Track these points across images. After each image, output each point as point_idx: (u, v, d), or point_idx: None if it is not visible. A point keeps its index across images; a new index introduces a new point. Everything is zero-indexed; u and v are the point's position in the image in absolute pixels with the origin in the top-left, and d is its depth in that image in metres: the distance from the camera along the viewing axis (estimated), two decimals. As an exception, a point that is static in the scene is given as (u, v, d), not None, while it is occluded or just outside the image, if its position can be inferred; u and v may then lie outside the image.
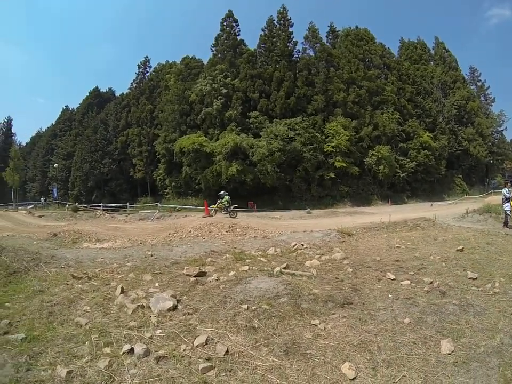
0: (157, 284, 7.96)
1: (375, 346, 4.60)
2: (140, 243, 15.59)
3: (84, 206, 41.04)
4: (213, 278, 8.10)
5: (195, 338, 5.10)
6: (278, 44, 52.68)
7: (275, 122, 46.11)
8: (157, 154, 50.77)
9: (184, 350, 4.77)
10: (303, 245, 11.74)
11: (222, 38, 54.30)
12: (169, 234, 17.11)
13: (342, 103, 49.97)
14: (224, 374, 4.13)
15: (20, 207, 48.54)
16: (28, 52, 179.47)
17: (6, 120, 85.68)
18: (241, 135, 43.53)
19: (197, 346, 4.88)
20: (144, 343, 4.95)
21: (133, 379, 4.14)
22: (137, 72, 63.46)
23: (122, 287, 7.48)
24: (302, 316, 5.62)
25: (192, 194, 45.61)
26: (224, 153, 40.81)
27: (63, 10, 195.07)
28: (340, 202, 45.20)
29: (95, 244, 16.27)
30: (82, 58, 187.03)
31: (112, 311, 6.42)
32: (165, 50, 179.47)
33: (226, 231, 16.45)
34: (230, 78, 49.07)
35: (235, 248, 11.95)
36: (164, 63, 64.16)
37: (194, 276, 8.24)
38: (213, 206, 26.64)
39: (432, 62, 70.18)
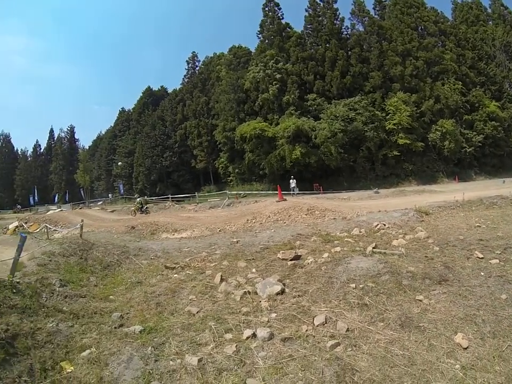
0: (254, 270, 7.94)
1: (480, 319, 4.66)
2: (219, 231, 15.66)
3: (152, 199, 41.79)
4: (310, 260, 7.95)
5: (313, 319, 5.11)
6: (325, 23, 50.43)
7: (334, 103, 44.82)
8: (217, 143, 51.12)
9: (306, 330, 4.81)
10: (384, 225, 11.43)
11: (266, 23, 52.86)
12: (248, 220, 16.95)
13: (400, 77, 47.18)
14: (350, 349, 4.27)
15: (90, 204, 51.12)
16: (82, 67, 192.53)
17: (69, 128, 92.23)
18: (301, 118, 42.28)
19: (317, 326, 4.92)
20: (265, 327, 4.95)
21: (265, 361, 4.15)
22: (187, 68, 65.17)
23: (221, 275, 7.48)
24: (405, 292, 5.68)
25: (256, 180, 45.36)
26: (286, 137, 40.04)
27: (106, 26, 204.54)
28: (405, 181, 43.18)
29: (173, 234, 16.45)
30: (131, 63, 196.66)
31: (219, 299, 6.44)
32: (209, 44, 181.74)
33: (306, 214, 16.07)
34: (281, 63, 47.57)
35: (319, 230, 11.75)
36: (212, 55, 65.02)
37: (291, 260, 8.15)
38: (133, 208, 28.33)
39: (490, 22, 63.31)
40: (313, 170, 40.63)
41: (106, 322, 5.74)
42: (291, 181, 32.42)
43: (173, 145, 55.81)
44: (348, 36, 51.85)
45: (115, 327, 5.51)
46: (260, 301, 5.99)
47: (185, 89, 60.53)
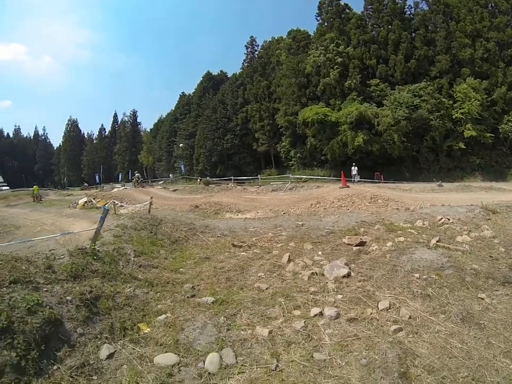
0: (320, 253, 8.12)
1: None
2: (284, 213, 15.92)
3: (214, 180, 42.85)
4: (375, 247, 8.04)
5: (378, 303, 5.28)
6: (386, 2, 46.43)
7: (397, 89, 42.13)
8: (279, 127, 50.84)
9: (371, 313, 4.99)
10: (448, 219, 11.04)
11: (324, 5, 50.13)
12: (312, 205, 17.08)
13: (469, 61, 42.34)
14: (412, 335, 4.43)
15: (152, 183, 53.50)
16: (144, 57, 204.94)
17: (132, 113, 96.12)
18: (363, 104, 40.46)
19: (381, 310, 5.09)
20: (332, 306, 5.18)
21: (331, 338, 4.38)
22: (246, 52, 65.40)
23: (289, 255, 7.71)
24: (468, 289, 5.71)
25: (317, 165, 44.41)
26: (349, 122, 38.62)
27: (168, 15, 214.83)
28: (470, 176, 39.22)
29: (237, 215, 16.92)
30: (190, 49, 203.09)
31: (287, 277, 6.71)
32: (267, 28, 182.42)
33: (369, 203, 16.02)
34: (342, 46, 45.17)
35: (383, 219, 11.69)
36: (270, 39, 64.09)
37: (356, 245, 8.27)
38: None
39: None
40: (375, 158, 39.13)
41: (179, 292, 6.23)
42: (352, 168, 31.78)
43: (234, 128, 56.13)
44: (411, 16, 47.86)
45: (188, 297, 5.97)
46: (327, 282, 6.19)
47: (246, 74, 60.72)
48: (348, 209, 15.27)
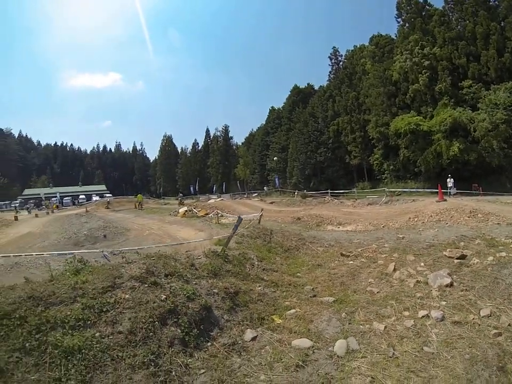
0: (422, 264, 8.76)
1: None
2: (383, 226, 16.41)
3: (311, 193, 42.65)
4: (476, 261, 8.42)
5: (479, 310, 5.84)
6: None
7: (493, 88, 36.97)
8: (370, 139, 48.98)
9: (473, 319, 5.59)
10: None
11: (403, 4, 47.96)
12: (410, 218, 17.27)
13: None
14: (510, 340, 4.82)
15: (248, 195, 55.07)
16: (228, 74, 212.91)
17: (223, 128, 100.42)
18: (457, 109, 37.58)
19: (482, 317, 5.63)
20: (437, 310, 5.95)
21: (438, 336, 5.18)
22: (330, 64, 65.89)
23: (394, 265, 8.64)
24: None
25: (410, 177, 42.83)
26: (442, 131, 36.23)
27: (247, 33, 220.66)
28: None
29: (339, 227, 17.59)
30: (272, 63, 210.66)
31: (394, 284, 7.56)
32: (347, 36, 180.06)
33: (468, 217, 15.67)
34: (428, 48, 42.60)
35: (483, 234, 11.60)
36: (353, 48, 62.89)
37: (457, 258, 8.74)
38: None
39: None
40: (472, 168, 35.86)
41: (302, 292, 7.38)
42: (448, 179, 29.42)
43: (327, 141, 56.00)
44: (496, 3, 42.16)
45: (310, 296, 7.12)
46: (431, 290, 6.91)
47: (333, 85, 60.44)
48: (447, 223, 15.15)
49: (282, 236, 12.67)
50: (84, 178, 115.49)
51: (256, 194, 57.06)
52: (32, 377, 3.76)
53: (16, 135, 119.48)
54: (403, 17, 48.57)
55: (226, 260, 8.36)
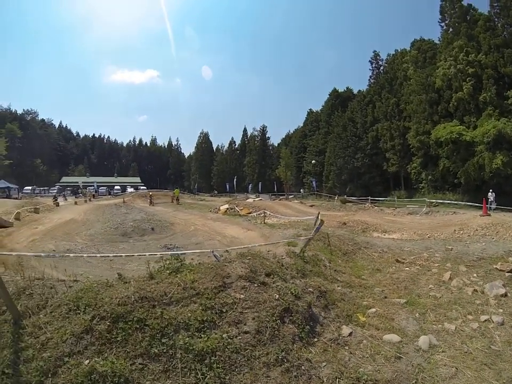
0: (475, 275, 9.55)
1: None
2: (428, 237, 16.91)
3: (351, 198, 42.50)
4: None
5: None
6: None
7: None
8: (410, 147, 47.87)
9: None
10: None
11: (446, 8, 46.42)
12: (455, 231, 17.52)
13: None
14: None
15: (289, 197, 54.96)
16: (269, 78, 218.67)
17: (261, 128, 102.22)
18: (501, 120, 35.95)
19: None
20: (497, 315, 6.85)
21: (500, 337, 6.12)
22: (371, 68, 64.95)
23: (450, 274, 9.44)
24: None
25: (449, 189, 41.17)
26: (485, 142, 34.98)
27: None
28: None
29: (384, 234, 18.14)
30: (308, 66, 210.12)
31: (454, 291, 8.42)
32: (388, 39, 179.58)
33: None
34: (473, 55, 40.74)
35: None
36: (394, 52, 62.27)
37: (508, 272, 9.46)
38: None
39: None
40: None
41: (374, 293, 8.22)
42: (489, 194, 28.54)
43: (365, 147, 55.63)
44: None
45: (382, 298, 7.97)
46: (488, 298, 7.78)
47: (373, 90, 59.72)
48: (493, 238, 15.28)
49: (338, 240, 13.34)
50: (119, 170, 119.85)
51: (292, 196, 57.24)
52: (164, 385, 4.01)
53: (57, 126, 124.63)
54: (447, 22, 47.46)
55: (304, 260, 8.98)
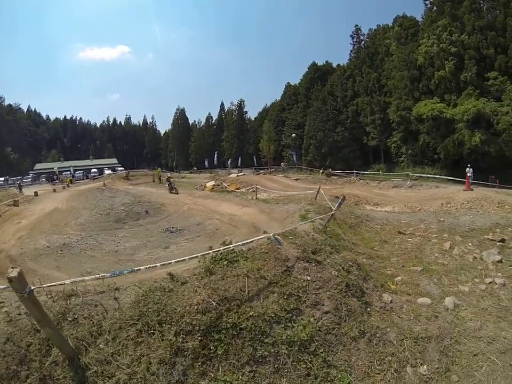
0: (470, 244, 10.72)
1: None
2: (419, 210, 18.08)
3: (337, 172, 43.00)
4: None
5: None
6: None
7: None
8: (390, 121, 48.13)
9: None
10: None
11: None
12: (442, 204, 18.76)
13: None
14: None
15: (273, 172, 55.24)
16: (244, 49, 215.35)
17: (238, 102, 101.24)
18: (480, 100, 36.89)
19: None
20: (499, 278, 7.98)
21: (505, 296, 7.21)
22: (352, 42, 64.80)
23: (450, 243, 10.47)
24: None
25: (427, 163, 41.78)
26: (465, 120, 35.61)
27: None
28: None
29: (376, 207, 19.13)
30: (290, 39, 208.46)
31: (457, 258, 9.51)
32: (369, 15, 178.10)
33: (497, 207, 16.92)
34: (456, 34, 40.86)
35: None
36: (375, 27, 61.86)
37: (498, 241, 10.64)
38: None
39: None
40: (490, 160, 35.41)
41: (392, 263, 9.13)
42: (467, 169, 28.28)
43: (345, 121, 55.90)
44: None
45: (401, 266, 8.92)
46: (487, 264, 8.92)
47: (354, 65, 59.74)
48: (478, 211, 16.31)
49: (341, 213, 13.56)
50: (94, 151, 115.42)
51: (273, 170, 57.37)
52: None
53: (25, 110, 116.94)
54: (431, 0, 47.46)
55: (329, 236, 9.11)
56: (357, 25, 64.32)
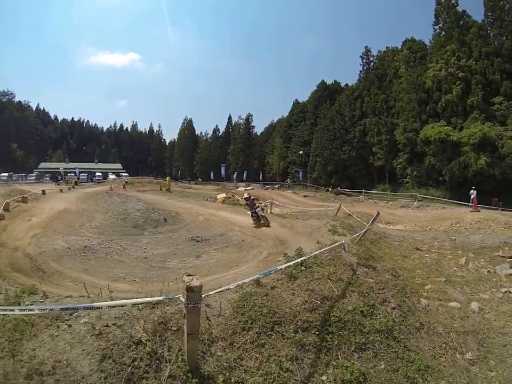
0: (482, 260, 11.61)
1: None
2: (429, 229, 18.90)
3: (345, 190, 43.35)
4: None
5: None
6: (508, 9, 42.57)
7: None
8: (397, 143, 49.80)
9: None
10: None
11: (440, 12, 48.32)
12: (452, 224, 19.59)
13: None
14: None
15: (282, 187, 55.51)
16: (254, 62, 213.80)
17: (246, 116, 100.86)
18: (486, 124, 38.55)
19: None
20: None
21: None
22: (361, 63, 65.65)
23: (465, 258, 11.41)
24: None
25: (432, 185, 43.49)
26: (471, 144, 37.24)
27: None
28: None
29: (389, 226, 19.65)
30: (300, 57, 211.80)
31: (473, 272, 10.48)
32: (379, 37, 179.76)
33: (504, 227, 17.45)
34: (464, 60, 42.75)
35: None
36: (385, 49, 63.20)
37: (508, 257, 11.51)
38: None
39: None
40: (494, 183, 36.71)
41: (418, 274, 9.96)
42: (471, 191, 28.20)
43: (352, 140, 56.41)
44: None
45: (426, 277, 9.76)
46: (500, 277, 9.90)
47: (362, 85, 60.72)
48: (487, 231, 17.17)
49: (360, 229, 13.70)
50: (99, 155, 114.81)
51: (277, 186, 57.39)
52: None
53: (34, 108, 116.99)
54: (440, 25, 49.03)
55: (364, 247, 9.96)
56: (366, 47, 65.39)
